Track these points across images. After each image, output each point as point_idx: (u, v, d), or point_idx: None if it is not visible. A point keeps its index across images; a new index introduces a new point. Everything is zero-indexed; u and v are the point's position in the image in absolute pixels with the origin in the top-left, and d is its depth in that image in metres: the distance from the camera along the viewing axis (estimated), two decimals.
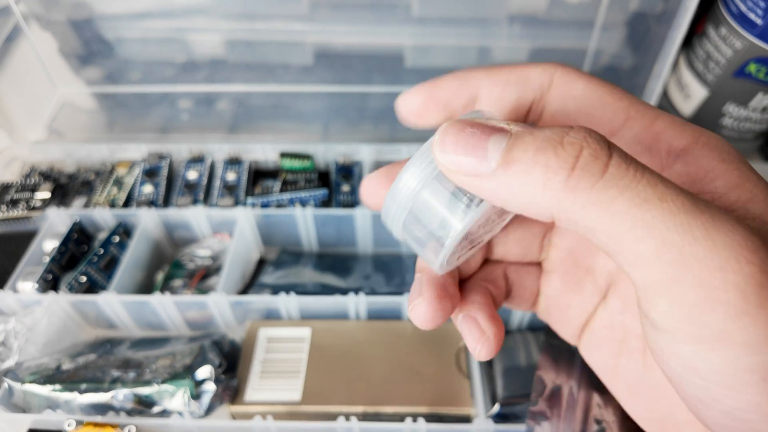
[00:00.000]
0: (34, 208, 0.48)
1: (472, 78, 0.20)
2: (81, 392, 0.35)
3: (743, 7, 0.43)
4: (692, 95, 0.51)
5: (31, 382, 0.35)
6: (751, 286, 0.13)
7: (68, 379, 0.36)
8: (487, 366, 0.39)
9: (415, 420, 0.34)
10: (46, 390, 0.35)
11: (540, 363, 0.34)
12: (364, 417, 0.37)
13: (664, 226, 0.13)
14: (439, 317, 0.19)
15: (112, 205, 0.49)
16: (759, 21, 0.42)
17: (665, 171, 0.18)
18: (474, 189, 0.16)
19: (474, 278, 0.23)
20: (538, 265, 0.24)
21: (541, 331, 0.41)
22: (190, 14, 0.55)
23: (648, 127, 0.18)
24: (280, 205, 0.49)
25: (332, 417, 0.37)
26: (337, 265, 0.49)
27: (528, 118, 0.20)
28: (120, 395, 0.35)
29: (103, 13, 0.54)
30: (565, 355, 0.34)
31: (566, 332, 0.24)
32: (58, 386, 0.35)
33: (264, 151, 0.54)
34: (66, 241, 0.45)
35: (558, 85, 0.19)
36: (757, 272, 0.13)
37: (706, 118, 0.51)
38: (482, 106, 0.20)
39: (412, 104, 0.20)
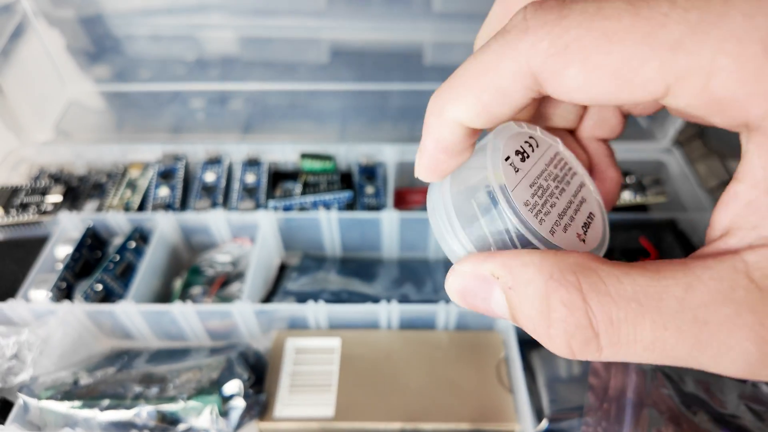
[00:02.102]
0: (45, 212, 0.46)
1: (451, 142, 0.17)
2: (102, 409, 0.33)
3: None
4: None
5: (47, 398, 0.33)
6: None
7: (87, 395, 0.33)
8: (530, 378, 0.37)
9: None
10: (63, 407, 0.33)
11: (591, 376, 0.32)
12: None
13: None
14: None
15: (126, 208, 0.47)
16: None
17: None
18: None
19: None
20: None
21: None
22: (202, 10, 0.53)
23: (701, 92, 0.13)
24: (302, 208, 0.47)
25: None
26: (361, 270, 0.47)
27: (533, 111, 0.19)
28: (143, 413, 0.33)
29: (113, 10, 0.52)
30: (618, 367, 0.32)
31: None
32: (76, 403, 0.33)
33: (283, 151, 0.52)
34: (80, 247, 0.43)
35: (549, 82, 0.15)
36: None
37: None
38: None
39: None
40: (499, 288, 0.15)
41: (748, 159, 0.13)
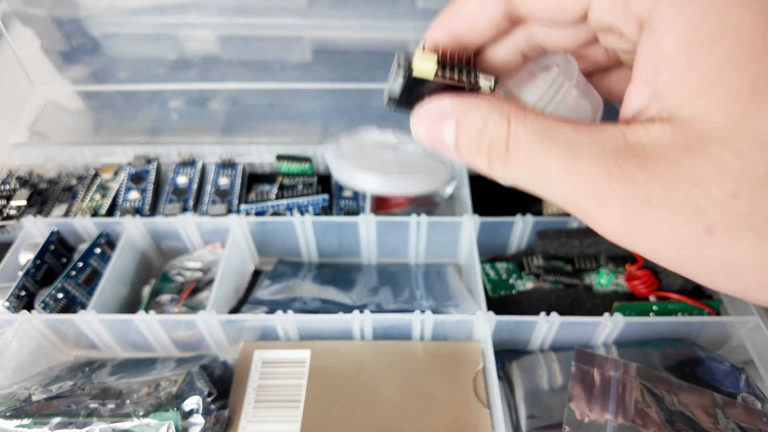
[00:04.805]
0: (8, 217, 0.44)
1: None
2: (52, 428, 0.31)
3: None
4: None
5: None
6: None
7: (38, 412, 0.32)
8: (508, 390, 0.36)
9: None
10: (11, 425, 0.31)
11: (571, 391, 0.30)
12: None
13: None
14: None
15: (95, 213, 0.45)
16: None
17: (636, 61, 0.17)
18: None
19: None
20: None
21: (563, 351, 0.37)
22: (181, 9, 0.52)
23: None
24: (276, 213, 0.45)
25: None
26: (338, 277, 0.45)
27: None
28: (96, 430, 0.31)
29: (88, 8, 0.50)
30: (600, 380, 0.30)
31: None
32: (26, 421, 0.31)
33: (259, 153, 0.50)
34: (42, 254, 0.41)
35: None
36: None
37: None
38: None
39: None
40: (452, 120, 0.18)
41: (639, 59, 0.16)
